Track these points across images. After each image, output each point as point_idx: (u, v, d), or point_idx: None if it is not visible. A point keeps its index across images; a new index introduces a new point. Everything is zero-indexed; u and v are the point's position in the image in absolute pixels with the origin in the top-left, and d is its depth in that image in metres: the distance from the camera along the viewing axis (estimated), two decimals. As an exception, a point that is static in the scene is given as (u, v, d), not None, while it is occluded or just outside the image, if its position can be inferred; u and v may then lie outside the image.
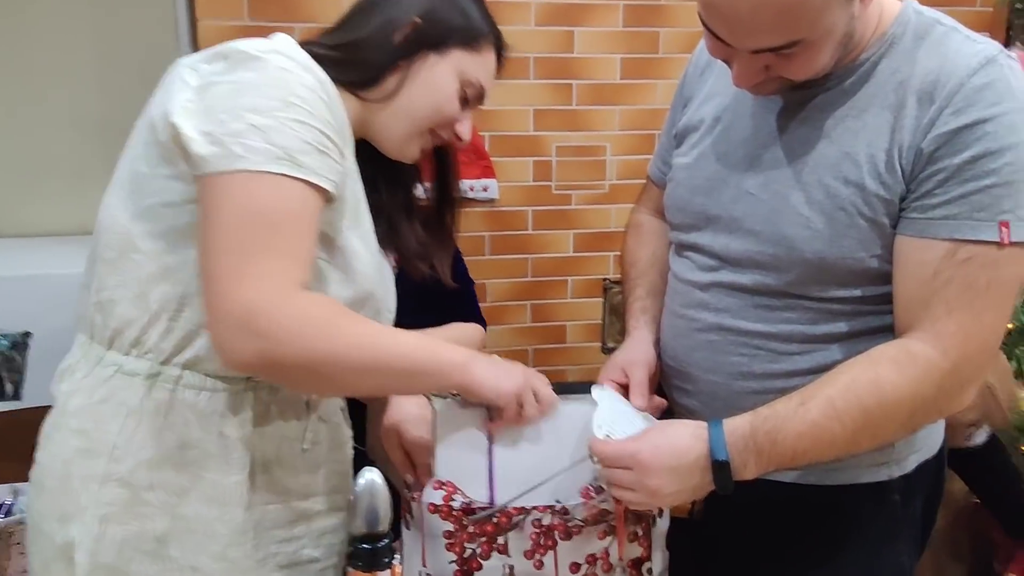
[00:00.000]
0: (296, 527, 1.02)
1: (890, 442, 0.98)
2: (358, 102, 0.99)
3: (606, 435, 0.96)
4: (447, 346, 0.96)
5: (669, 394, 1.13)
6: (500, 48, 1.05)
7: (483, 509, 1.00)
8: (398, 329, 0.96)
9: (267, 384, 0.95)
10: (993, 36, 2.57)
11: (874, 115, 0.92)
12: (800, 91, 0.97)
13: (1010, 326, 1.72)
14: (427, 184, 1.16)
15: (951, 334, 0.88)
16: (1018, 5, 2.28)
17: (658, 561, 1.04)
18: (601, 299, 2.63)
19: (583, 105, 2.52)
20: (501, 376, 0.95)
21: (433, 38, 0.98)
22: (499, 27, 1.06)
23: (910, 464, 1.05)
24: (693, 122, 1.13)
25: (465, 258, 2.00)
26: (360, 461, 1.33)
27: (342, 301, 0.92)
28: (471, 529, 1.01)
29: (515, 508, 1.00)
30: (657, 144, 1.29)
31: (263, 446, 0.96)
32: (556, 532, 1.00)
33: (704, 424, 0.93)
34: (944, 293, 0.88)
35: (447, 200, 1.15)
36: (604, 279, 2.62)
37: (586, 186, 2.57)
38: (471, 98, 1.02)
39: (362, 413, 1.39)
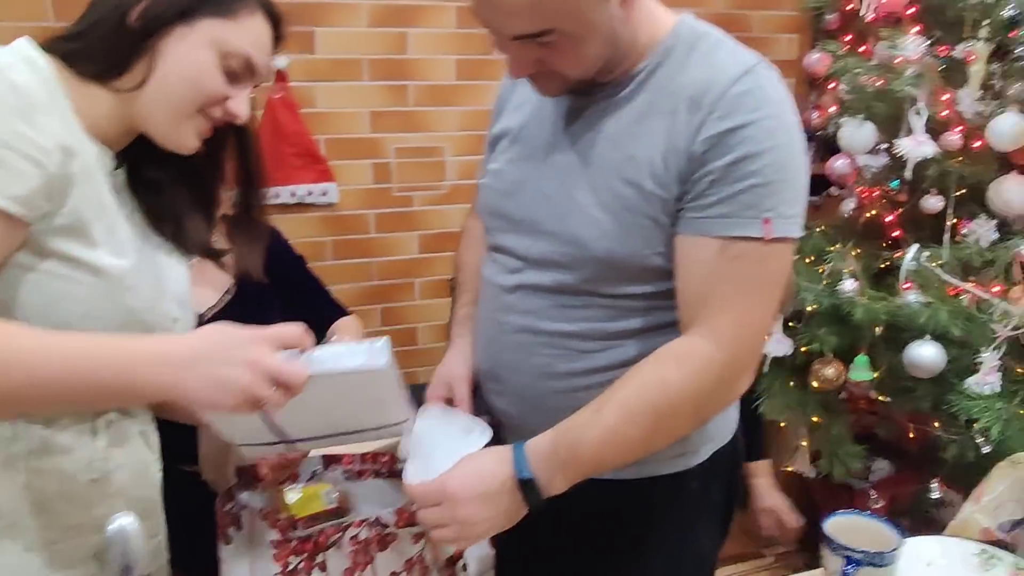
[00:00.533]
0: (98, 561, 0.96)
1: (683, 436, 1.02)
2: (113, 96, 0.92)
3: (420, 480, 0.94)
4: (145, 358, 0.81)
5: (484, 396, 1.16)
6: (273, 15, 0.96)
7: (308, 524, 1.00)
8: (77, 338, 0.82)
9: (40, 417, 0.89)
10: (800, 37, 2.80)
11: (652, 120, 0.97)
12: (588, 97, 1.02)
13: (811, 308, 1.87)
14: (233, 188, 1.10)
15: (726, 327, 0.94)
16: (816, 10, 2.47)
17: (473, 560, 1.07)
18: (449, 299, 2.65)
19: (420, 106, 2.52)
20: (218, 390, 0.80)
21: (175, 10, 0.90)
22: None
23: (705, 453, 1.11)
24: (503, 129, 1.16)
25: (308, 264, 1.95)
26: (192, 481, 1.28)
27: (100, 325, 0.87)
28: (294, 543, 1.00)
29: (332, 528, 0.99)
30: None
31: (40, 483, 0.90)
32: (373, 546, 1.00)
33: (509, 447, 0.95)
34: (718, 289, 0.94)
35: (250, 194, 1.09)
36: (451, 279, 2.63)
37: (426, 187, 2.57)
38: (240, 71, 0.94)
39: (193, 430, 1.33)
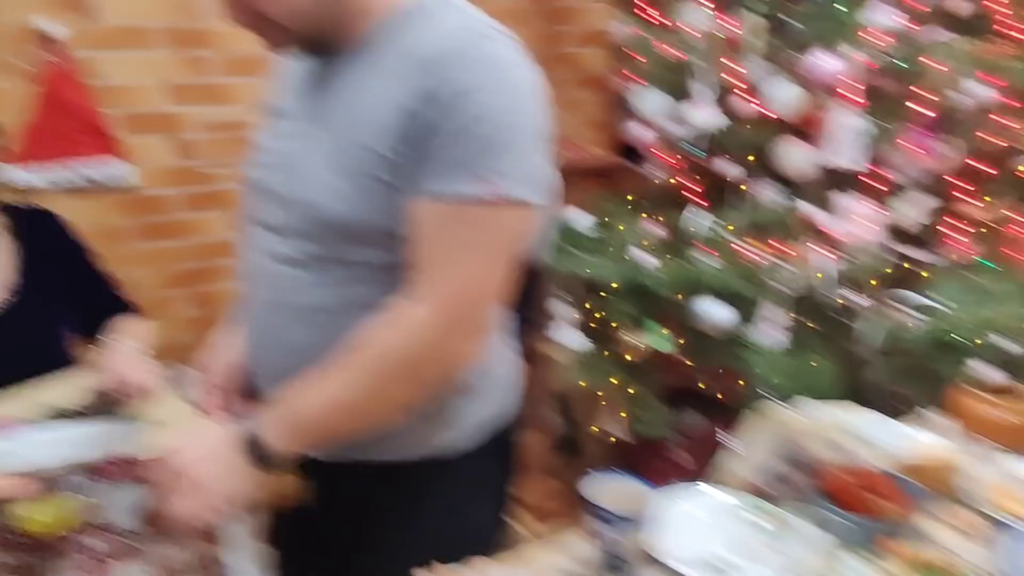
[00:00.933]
0: None
1: (413, 402, 1.00)
2: None
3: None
4: None
5: (252, 379, 1.12)
6: None
7: (46, 541, 0.92)
8: None
9: None
10: (609, 7, 2.84)
11: (383, 82, 0.94)
12: (326, 60, 1.00)
13: (615, 285, 1.91)
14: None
15: (441, 289, 0.93)
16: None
17: (235, 556, 1.02)
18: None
19: (222, 77, 2.39)
20: None
21: None
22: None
23: (469, 434, 1.10)
24: (269, 104, 1.13)
25: (108, 248, 1.80)
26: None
27: None
28: (20, 564, 0.93)
29: (60, 541, 0.93)
30: None
31: None
32: (110, 557, 0.94)
33: None
34: (438, 250, 0.93)
35: None
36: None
37: (234, 163, 2.45)
38: None
39: None
